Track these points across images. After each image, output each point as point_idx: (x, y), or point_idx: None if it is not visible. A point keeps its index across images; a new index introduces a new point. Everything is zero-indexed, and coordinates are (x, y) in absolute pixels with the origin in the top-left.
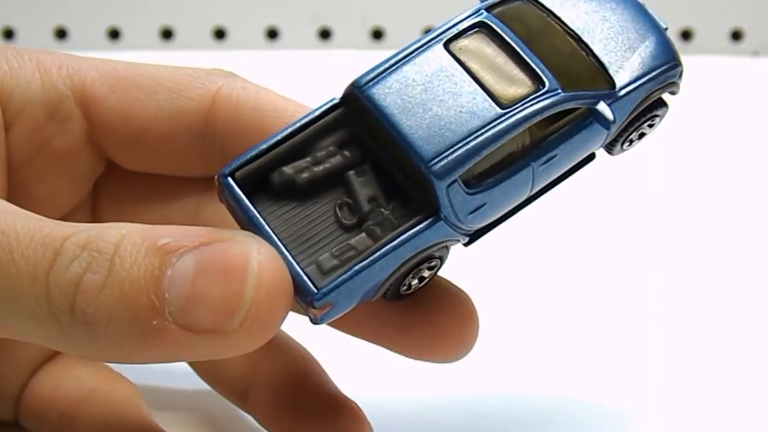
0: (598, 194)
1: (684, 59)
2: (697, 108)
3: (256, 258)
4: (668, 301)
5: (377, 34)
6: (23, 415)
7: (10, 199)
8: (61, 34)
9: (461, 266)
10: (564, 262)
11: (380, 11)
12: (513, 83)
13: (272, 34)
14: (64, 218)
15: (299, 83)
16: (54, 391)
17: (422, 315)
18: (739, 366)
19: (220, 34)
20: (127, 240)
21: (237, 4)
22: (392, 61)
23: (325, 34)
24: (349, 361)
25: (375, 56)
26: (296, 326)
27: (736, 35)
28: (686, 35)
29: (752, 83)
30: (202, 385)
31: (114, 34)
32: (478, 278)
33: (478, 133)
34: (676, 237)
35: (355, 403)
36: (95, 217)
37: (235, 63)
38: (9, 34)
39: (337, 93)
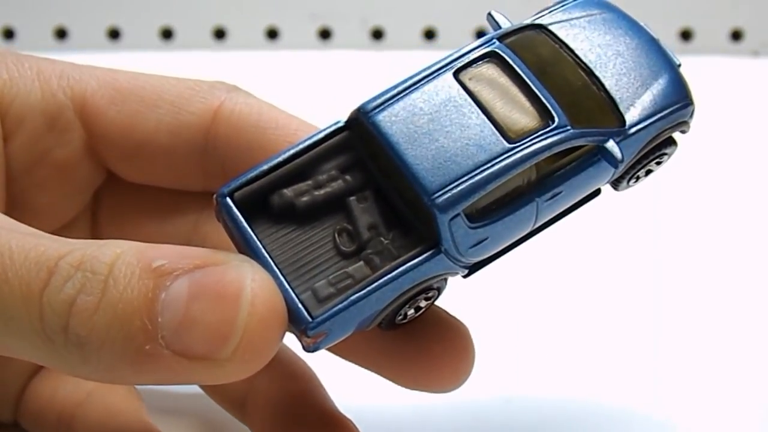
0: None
1: (684, 59)
2: (697, 108)
3: (250, 285)
4: (667, 304)
5: (377, 34)
6: (22, 416)
7: (9, 209)
8: (61, 34)
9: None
10: (562, 266)
11: (380, 11)
12: (522, 117)
13: (272, 34)
14: (64, 229)
15: (299, 83)
16: (53, 394)
17: (417, 345)
18: (741, 367)
19: (220, 34)
20: (121, 260)
21: (237, 4)
22: (400, 88)
23: (325, 34)
24: (348, 375)
25: (375, 56)
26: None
27: (736, 35)
28: (686, 35)
29: (752, 83)
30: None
31: (114, 34)
32: (477, 288)
33: (484, 167)
34: (674, 238)
35: (351, 422)
36: (94, 227)
37: (235, 63)
38: (9, 34)
39: (337, 93)
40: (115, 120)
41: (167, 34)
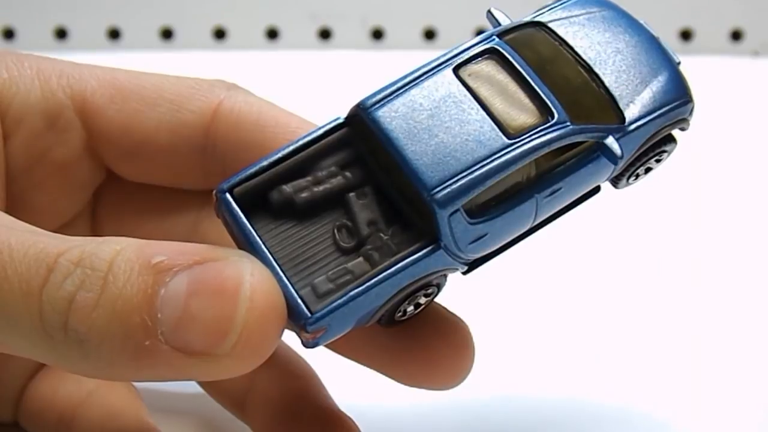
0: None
1: (684, 59)
2: (697, 108)
3: (249, 280)
4: (666, 304)
5: (377, 34)
6: (23, 416)
7: (9, 209)
8: (61, 34)
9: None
10: (563, 264)
11: (380, 11)
12: (521, 113)
13: (272, 34)
14: (64, 228)
15: (299, 83)
16: (53, 393)
17: (417, 342)
18: (741, 368)
19: (220, 34)
20: (121, 257)
21: (237, 4)
22: (400, 84)
23: (325, 34)
24: (349, 373)
25: (375, 56)
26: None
27: (736, 35)
28: (686, 35)
29: (752, 83)
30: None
31: (114, 34)
32: (476, 285)
33: (484, 162)
34: (674, 237)
35: (352, 420)
36: (95, 226)
37: (235, 63)
38: (9, 34)
39: (337, 93)
40: (114, 119)
41: (167, 34)
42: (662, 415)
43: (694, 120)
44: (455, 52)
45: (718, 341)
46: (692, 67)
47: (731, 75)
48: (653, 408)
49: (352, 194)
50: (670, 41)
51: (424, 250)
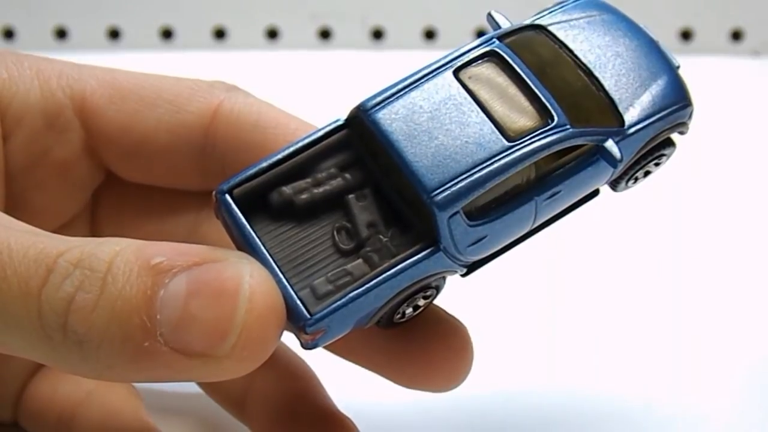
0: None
1: (684, 59)
2: (697, 108)
3: (249, 281)
4: (665, 304)
5: (377, 34)
6: (22, 416)
7: (9, 208)
8: (61, 34)
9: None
10: (561, 265)
11: (380, 11)
12: (521, 115)
13: (272, 34)
14: (63, 228)
15: (299, 83)
16: (53, 393)
17: (416, 344)
18: (741, 368)
19: (220, 34)
20: (120, 258)
21: (237, 4)
22: (400, 86)
23: (325, 34)
24: (348, 374)
25: (375, 56)
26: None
27: (736, 35)
28: (686, 35)
29: (752, 83)
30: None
31: (114, 34)
32: (475, 288)
33: (484, 165)
34: (673, 238)
35: (350, 420)
36: (94, 226)
37: (235, 63)
38: (9, 34)
39: (337, 93)
40: (114, 119)
41: (167, 34)
42: (662, 414)
43: (694, 120)
44: (455, 54)
45: (719, 341)
46: (692, 67)
47: (731, 75)
48: (653, 408)
49: (351, 196)
50: (670, 41)
51: (424, 252)
